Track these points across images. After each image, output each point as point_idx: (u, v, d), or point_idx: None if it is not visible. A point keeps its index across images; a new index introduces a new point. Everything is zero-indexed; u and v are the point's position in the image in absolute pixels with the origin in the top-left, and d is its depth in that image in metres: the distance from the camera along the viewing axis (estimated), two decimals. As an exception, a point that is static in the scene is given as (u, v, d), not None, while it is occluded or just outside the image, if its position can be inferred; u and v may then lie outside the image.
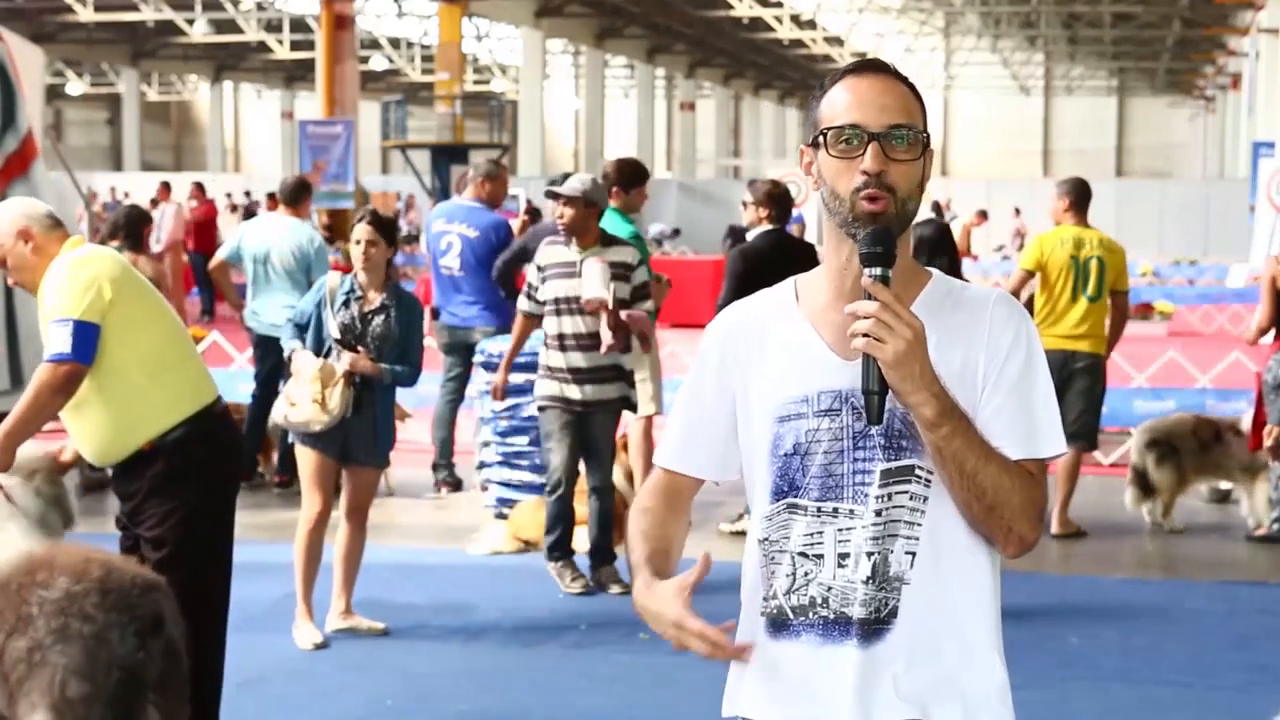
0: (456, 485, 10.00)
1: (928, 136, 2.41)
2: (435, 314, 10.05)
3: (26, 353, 7.12)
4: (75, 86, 57.77)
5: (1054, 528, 8.71)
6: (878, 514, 2.37)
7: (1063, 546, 8.64)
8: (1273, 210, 22.61)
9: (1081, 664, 6.36)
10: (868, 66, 2.45)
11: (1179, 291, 24.34)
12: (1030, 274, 8.73)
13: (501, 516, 8.87)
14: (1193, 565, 8.27)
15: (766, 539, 2.46)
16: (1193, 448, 8.90)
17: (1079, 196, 8.75)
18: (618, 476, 8.75)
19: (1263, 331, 8.66)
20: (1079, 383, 8.59)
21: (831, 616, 2.39)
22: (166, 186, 22.84)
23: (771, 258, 8.15)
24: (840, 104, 2.40)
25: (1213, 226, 37.87)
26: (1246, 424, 8.86)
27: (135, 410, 4.45)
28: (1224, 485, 9.57)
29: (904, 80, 2.44)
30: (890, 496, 2.37)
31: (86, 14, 42.40)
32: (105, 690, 3.81)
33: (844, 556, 2.38)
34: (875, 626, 2.37)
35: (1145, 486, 8.99)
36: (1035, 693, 5.96)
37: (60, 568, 3.98)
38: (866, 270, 2.30)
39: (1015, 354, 2.41)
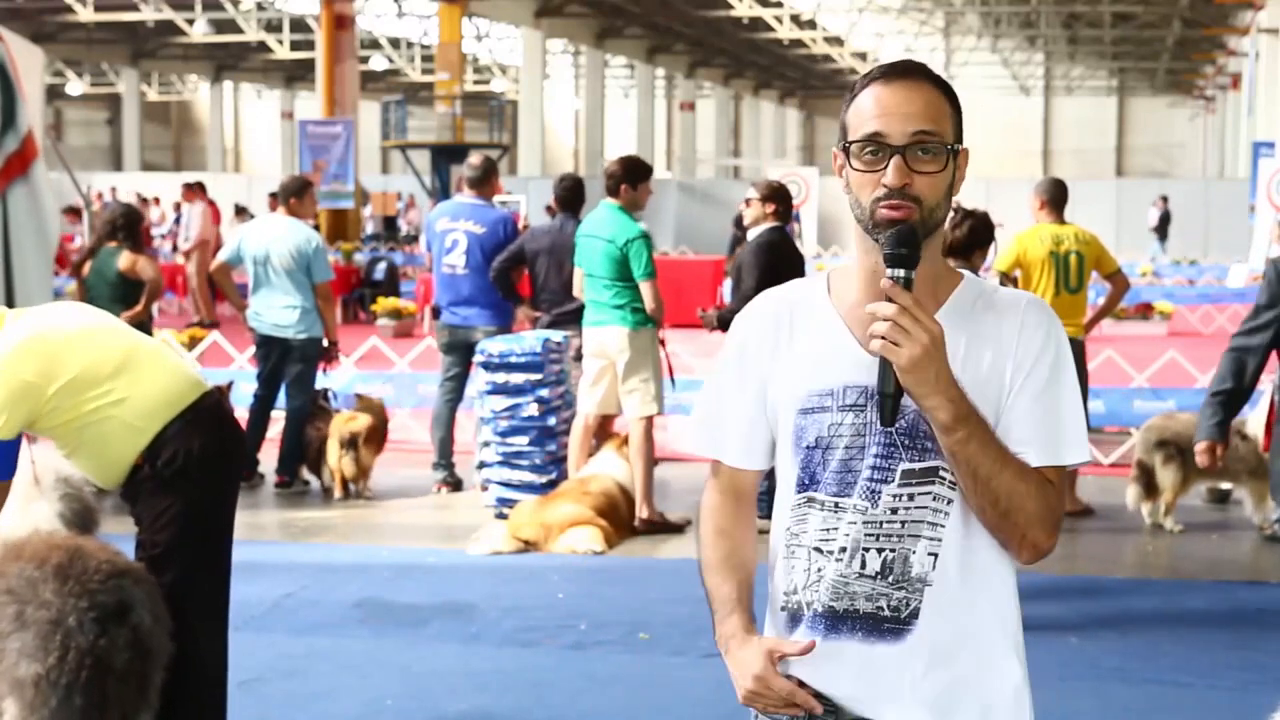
0: (456, 485, 10.00)
1: (955, 146, 2.37)
2: (436, 313, 10.05)
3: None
4: (75, 86, 57.74)
5: (1065, 506, 8.92)
6: (893, 512, 2.36)
7: (1063, 546, 8.63)
8: (1273, 210, 22.61)
9: (1081, 664, 6.36)
10: (897, 71, 2.40)
11: (1179, 291, 24.30)
12: (1005, 275, 8.94)
13: (501, 516, 8.87)
14: (1193, 565, 8.26)
15: (789, 529, 2.46)
16: None
17: (1053, 196, 9.18)
18: (618, 472, 8.77)
19: None
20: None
21: (840, 610, 2.39)
22: (189, 187, 22.58)
23: (785, 252, 8.38)
24: (866, 112, 2.37)
25: (1213, 226, 37.85)
26: (1251, 427, 8.87)
27: (116, 441, 4.37)
28: (1224, 485, 9.57)
29: (936, 81, 2.39)
30: (912, 497, 2.36)
31: (86, 14, 42.38)
32: (65, 674, 3.80)
33: (842, 550, 2.38)
34: (896, 626, 2.37)
35: (1149, 486, 8.99)
36: (1035, 693, 5.93)
37: (26, 555, 3.99)
38: (888, 271, 2.29)
39: (1044, 358, 2.39)
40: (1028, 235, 9.11)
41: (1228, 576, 7.96)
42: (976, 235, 7.24)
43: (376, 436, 9.87)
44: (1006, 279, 9.06)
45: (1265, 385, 9.01)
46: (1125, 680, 6.15)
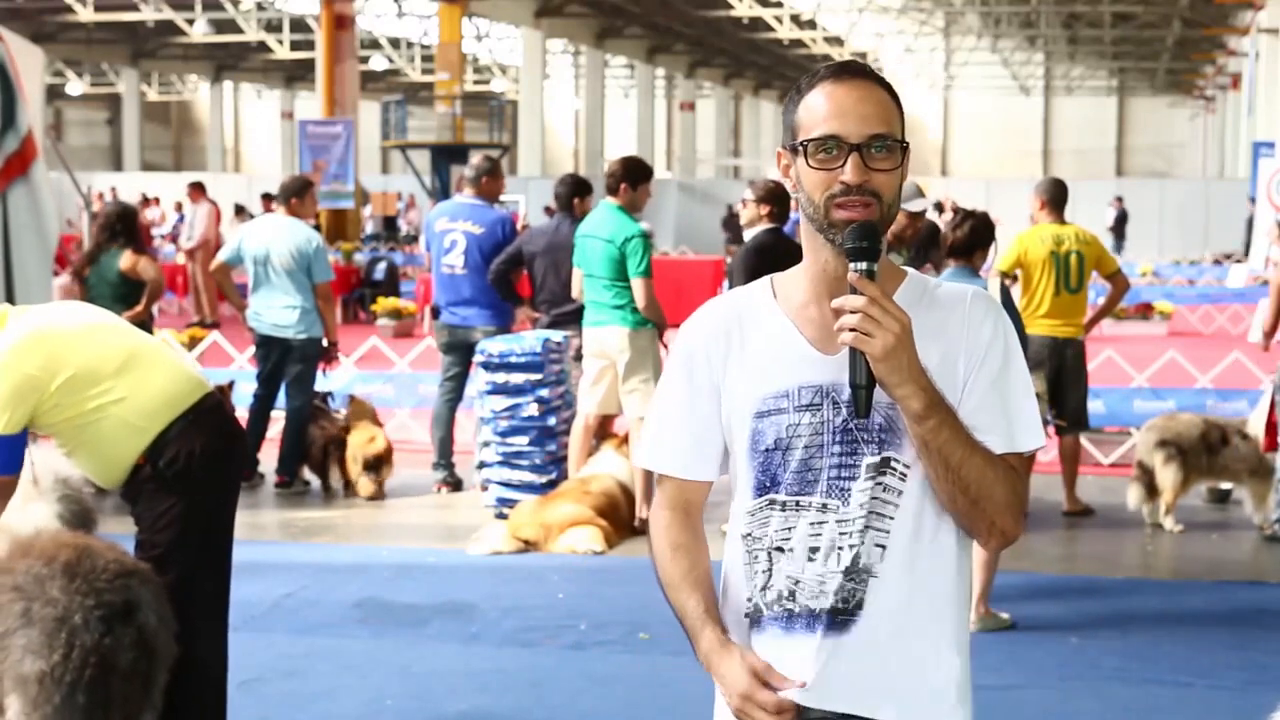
0: (456, 485, 10.01)
1: (906, 144, 2.41)
2: (435, 313, 10.05)
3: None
4: (75, 86, 57.75)
5: (1065, 506, 9.22)
6: (860, 506, 2.38)
7: (1063, 546, 8.64)
8: (1273, 210, 22.60)
9: (1081, 664, 6.36)
10: (847, 71, 2.43)
11: (1179, 291, 24.27)
12: (1007, 275, 8.94)
13: (501, 516, 8.87)
14: (1193, 565, 8.26)
15: (749, 535, 2.46)
16: (1200, 450, 8.91)
17: (1053, 196, 9.20)
18: (619, 472, 8.77)
19: (1270, 334, 8.97)
20: (1073, 369, 9.05)
21: (796, 610, 2.40)
22: (195, 186, 22.62)
23: (780, 254, 8.19)
24: (820, 112, 2.39)
25: (1213, 226, 37.86)
26: (1252, 427, 8.88)
27: (117, 440, 4.37)
28: (1224, 485, 9.57)
29: (882, 83, 2.43)
30: (868, 490, 2.38)
31: (86, 14, 42.40)
32: (69, 672, 3.80)
33: (814, 550, 2.39)
34: (842, 617, 2.38)
35: (1150, 486, 8.98)
36: (1035, 693, 5.96)
37: (34, 552, 3.99)
38: (853, 265, 2.31)
39: (994, 349, 2.42)
40: (1028, 235, 9.13)
41: (1228, 576, 7.96)
42: (977, 235, 7.23)
43: (390, 454, 9.92)
44: (1008, 279, 9.07)
45: (1266, 385, 9.02)
46: (1125, 680, 6.15)
